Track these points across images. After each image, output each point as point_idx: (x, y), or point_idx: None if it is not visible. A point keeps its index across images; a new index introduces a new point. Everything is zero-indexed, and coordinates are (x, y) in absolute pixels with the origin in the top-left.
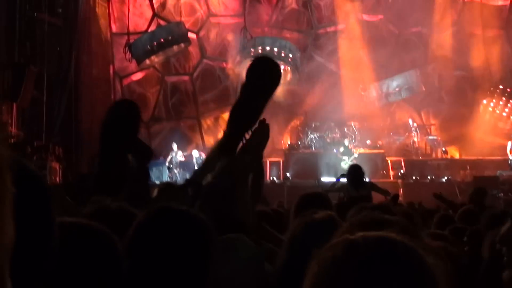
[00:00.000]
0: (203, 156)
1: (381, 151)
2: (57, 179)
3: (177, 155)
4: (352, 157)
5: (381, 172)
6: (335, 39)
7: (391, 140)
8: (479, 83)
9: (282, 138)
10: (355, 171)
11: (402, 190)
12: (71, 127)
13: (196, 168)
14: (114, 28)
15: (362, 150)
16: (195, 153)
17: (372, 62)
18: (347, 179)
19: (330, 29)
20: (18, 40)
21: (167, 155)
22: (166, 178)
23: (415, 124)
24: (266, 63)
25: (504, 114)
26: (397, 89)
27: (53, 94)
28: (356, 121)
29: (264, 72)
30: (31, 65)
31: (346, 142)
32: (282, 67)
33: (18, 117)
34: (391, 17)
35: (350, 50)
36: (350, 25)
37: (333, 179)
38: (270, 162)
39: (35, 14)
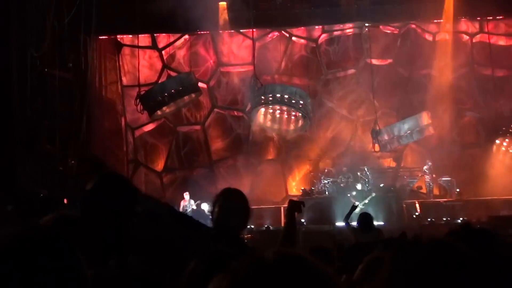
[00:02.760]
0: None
1: (395, 194)
2: None
3: (190, 203)
4: (365, 201)
5: (396, 215)
6: (345, 84)
7: (404, 182)
8: (491, 123)
9: (295, 184)
10: (362, 218)
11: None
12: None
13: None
14: (124, 81)
15: (373, 195)
16: (205, 206)
17: (383, 106)
18: (358, 224)
19: (340, 74)
20: (29, 96)
21: (180, 204)
22: None
23: (427, 166)
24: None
25: None
26: (408, 131)
27: (66, 148)
28: (369, 165)
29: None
30: (44, 120)
31: (359, 186)
32: (293, 113)
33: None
34: (400, 61)
35: (361, 94)
36: (359, 70)
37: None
38: (284, 208)
39: (46, 69)
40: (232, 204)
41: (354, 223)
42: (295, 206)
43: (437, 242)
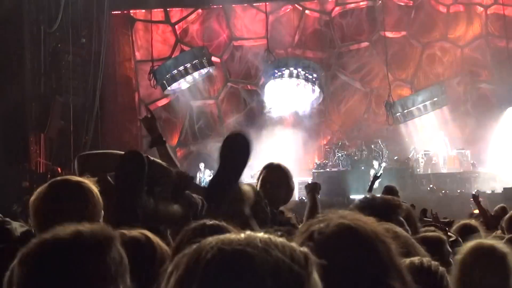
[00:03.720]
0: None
1: (409, 166)
2: None
3: (205, 174)
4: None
5: (410, 187)
6: (358, 57)
7: (418, 155)
8: (505, 94)
9: (309, 157)
10: (388, 192)
11: (432, 204)
12: None
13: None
14: (138, 56)
15: (384, 165)
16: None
17: (397, 78)
18: None
19: (353, 47)
20: (43, 72)
21: (196, 176)
22: None
23: (442, 138)
24: (237, 139)
25: None
26: (422, 104)
27: (80, 124)
28: (383, 137)
29: (235, 149)
30: (57, 96)
31: (375, 163)
32: (307, 86)
33: (46, 147)
34: (413, 33)
35: (374, 67)
36: (373, 43)
37: (361, 196)
38: (298, 181)
39: (59, 45)
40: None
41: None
42: (314, 188)
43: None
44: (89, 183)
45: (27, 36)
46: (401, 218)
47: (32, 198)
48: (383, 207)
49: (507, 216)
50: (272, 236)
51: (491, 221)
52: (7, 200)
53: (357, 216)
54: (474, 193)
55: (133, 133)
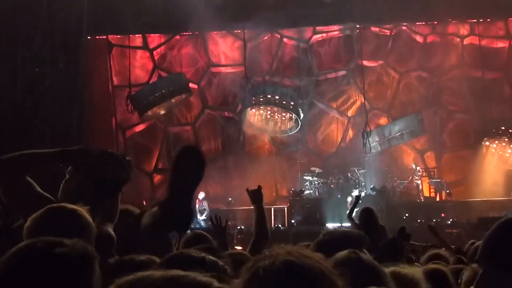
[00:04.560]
0: (205, 204)
1: (385, 195)
2: None
3: (203, 205)
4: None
5: (386, 216)
6: (336, 85)
7: (395, 184)
8: (480, 125)
9: (286, 185)
10: (366, 214)
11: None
12: None
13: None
14: (115, 81)
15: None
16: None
17: (374, 107)
18: (359, 222)
19: (331, 75)
20: (20, 96)
21: None
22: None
23: (418, 168)
24: (190, 151)
25: (507, 154)
26: (399, 133)
27: (56, 147)
28: (360, 166)
29: (189, 161)
30: (34, 120)
31: (355, 192)
32: (284, 114)
33: None
34: (391, 62)
35: (352, 95)
36: (350, 71)
37: (338, 225)
38: (274, 209)
39: (37, 69)
40: None
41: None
42: (258, 197)
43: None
44: (84, 211)
45: (5, 59)
46: (364, 250)
47: (27, 224)
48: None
49: (472, 247)
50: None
51: (453, 253)
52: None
53: (304, 252)
54: (430, 224)
55: None
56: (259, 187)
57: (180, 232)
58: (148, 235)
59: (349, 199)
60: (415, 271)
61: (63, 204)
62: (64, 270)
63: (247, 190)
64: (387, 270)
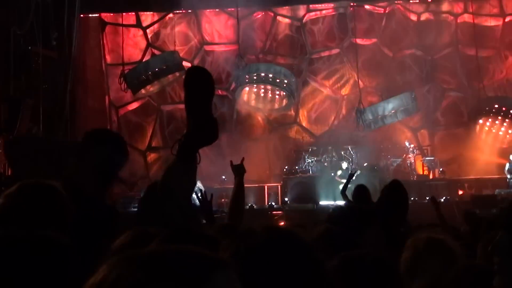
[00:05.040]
0: (198, 184)
1: (378, 173)
2: None
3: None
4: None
5: (379, 194)
6: (329, 64)
7: (388, 162)
8: (474, 103)
9: (279, 163)
10: (360, 192)
11: None
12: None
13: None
14: (108, 59)
15: (358, 172)
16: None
17: (367, 85)
18: (353, 199)
19: (324, 53)
20: (13, 74)
21: None
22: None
23: (411, 146)
24: (197, 72)
25: (500, 133)
26: (392, 111)
27: (50, 126)
28: (353, 144)
29: (199, 82)
30: (27, 98)
31: (344, 165)
32: (277, 92)
33: None
34: (384, 40)
35: (345, 74)
36: (344, 49)
37: (331, 203)
38: (268, 187)
39: (30, 47)
40: None
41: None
42: (240, 167)
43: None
44: (59, 186)
45: None
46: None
47: (1, 201)
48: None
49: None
50: None
51: (448, 229)
52: None
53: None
54: (433, 196)
55: None
56: (242, 160)
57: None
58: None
59: (339, 172)
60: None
61: (38, 180)
62: (38, 259)
63: (231, 163)
64: (423, 235)
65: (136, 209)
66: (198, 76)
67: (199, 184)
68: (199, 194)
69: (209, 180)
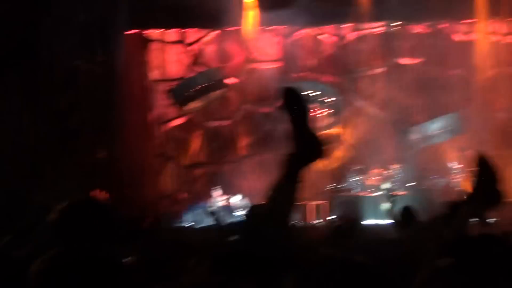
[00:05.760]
0: (244, 201)
1: (423, 194)
2: None
3: (218, 199)
4: (391, 200)
5: (425, 214)
6: (373, 83)
7: (433, 182)
8: None
9: (324, 181)
10: (406, 212)
11: None
12: (111, 173)
13: (235, 213)
14: (152, 76)
15: (402, 192)
16: (234, 200)
17: (412, 105)
18: (401, 219)
19: (369, 72)
20: (57, 89)
21: (208, 199)
22: (206, 222)
23: (458, 166)
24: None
25: None
26: (438, 131)
27: (94, 142)
28: (398, 163)
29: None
30: (71, 114)
31: (384, 186)
32: (321, 111)
33: None
34: (430, 60)
35: (390, 93)
36: (388, 69)
37: (374, 222)
38: (313, 205)
39: (73, 63)
40: None
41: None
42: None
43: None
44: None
45: (43, 52)
46: None
47: (53, 216)
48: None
49: None
50: None
51: None
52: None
53: None
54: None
55: (147, 152)
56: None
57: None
58: None
59: (382, 192)
60: None
61: (89, 197)
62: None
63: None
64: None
65: (180, 225)
66: (297, 96)
67: (243, 202)
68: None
69: (255, 197)
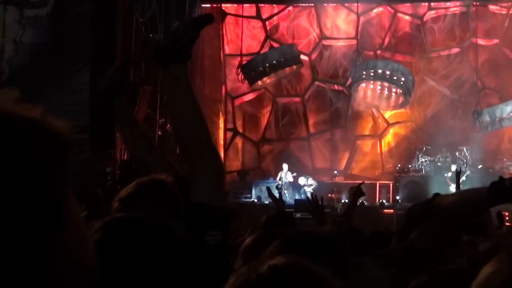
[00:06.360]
0: (311, 180)
1: (493, 176)
2: None
3: (287, 175)
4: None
5: None
6: (448, 63)
7: (504, 165)
8: None
9: (393, 161)
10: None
11: None
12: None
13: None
14: (227, 50)
15: (468, 173)
16: (302, 180)
17: (486, 87)
18: None
19: (444, 52)
20: (133, 61)
21: (277, 175)
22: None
23: None
24: None
25: None
26: (511, 114)
27: (166, 113)
28: (468, 145)
29: None
30: (145, 85)
31: (453, 167)
32: (394, 90)
33: None
34: (506, 42)
35: (464, 74)
36: (464, 49)
37: None
38: (379, 184)
39: (150, 35)
40: None
41: None
42: (359, 192)
43: None
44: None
45: (119, 24)
46: None
47: (120, 196)
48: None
49: None
50: None
51: None
52: (91, 184)
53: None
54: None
55: (218, 126)
56: (361, 184)
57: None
58: None
59: (449, 174)
60: None
61: (153, 177)
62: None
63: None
64: None
65: (246, 199)
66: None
67: (310, 181)
68: (310, 198)
69: (321, 175)
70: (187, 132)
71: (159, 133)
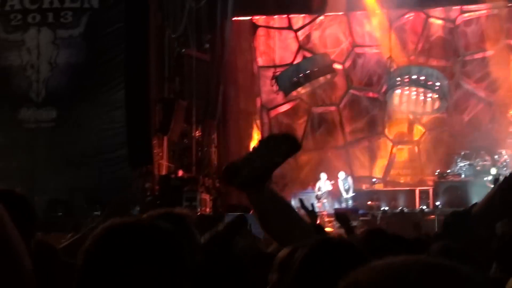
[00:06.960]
0: (350, 180)
1: None
2: (207, 210)
3: (325, 184)
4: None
5: None
6: (483, 66)
7: None
8: None
9: (431, 167)
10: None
11: None
12: (220, 159)
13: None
14: (260, 62)
15: (501, 177)
16: (341, 175)
17: None
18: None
19: (478, 55)
20: (167, 76)
21: (315, 184)
22: (315, 208)
23: None
24: None
25: None
26: None
27: (202, 127)
28: (507, 148)
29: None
30: (180, 99)
31: (493, 170)
32: (429, 95)
33: (169, 150)
34: None
35: (500, 76)
36: (498, 51)
37: None
38: (419, 190)
39: (183, 50)
40: None
41: None
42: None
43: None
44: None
45: (153, 40)
46: None
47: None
48: None
49: None
50: None
51: None
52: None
53: None
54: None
55: (254, 138)
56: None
57: None
58: None
59: (489, 177)
60: None
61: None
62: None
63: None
64: None
65: None
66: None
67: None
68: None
69: (360, 182)
70: (283, 238)
71: (196, 147)
